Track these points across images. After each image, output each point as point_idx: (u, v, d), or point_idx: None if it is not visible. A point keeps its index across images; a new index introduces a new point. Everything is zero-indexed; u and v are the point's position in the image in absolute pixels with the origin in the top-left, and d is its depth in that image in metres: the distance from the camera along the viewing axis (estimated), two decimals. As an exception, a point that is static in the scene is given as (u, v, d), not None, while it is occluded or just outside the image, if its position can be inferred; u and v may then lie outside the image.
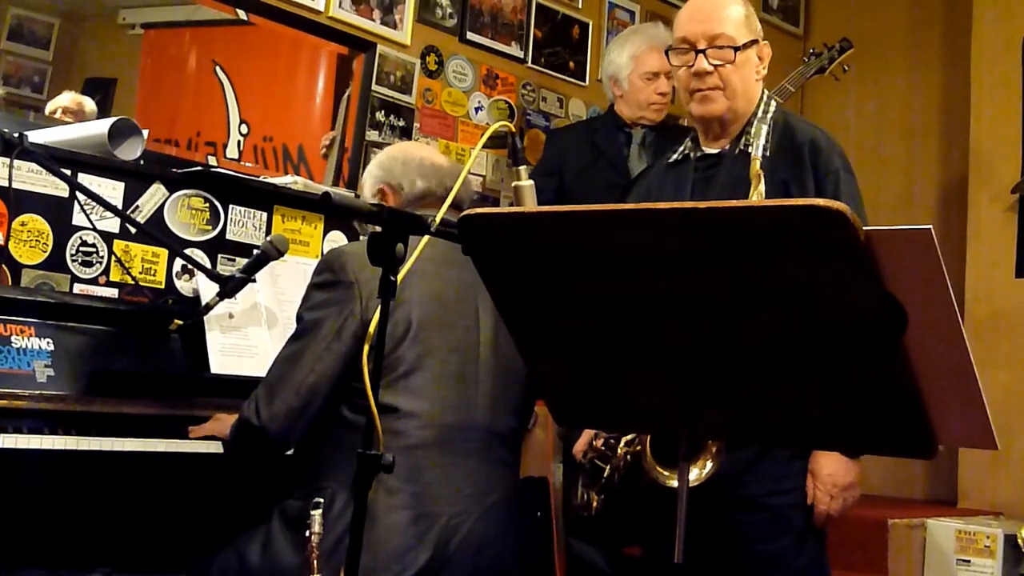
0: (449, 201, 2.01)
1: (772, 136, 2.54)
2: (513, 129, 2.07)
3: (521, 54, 4.67)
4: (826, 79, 4.33)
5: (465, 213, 1.50)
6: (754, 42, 2.57)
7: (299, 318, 2.38)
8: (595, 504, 2.52)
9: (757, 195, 2.25)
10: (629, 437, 2.44)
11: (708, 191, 2.56)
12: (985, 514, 4.13)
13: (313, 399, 2.29)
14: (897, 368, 1.35)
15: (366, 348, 1.80)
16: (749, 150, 2.48)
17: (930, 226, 1.25)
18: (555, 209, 1.42)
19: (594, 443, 2.53)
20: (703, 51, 2.53)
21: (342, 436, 2.28)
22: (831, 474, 2.43)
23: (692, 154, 2.66)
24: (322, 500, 2.07)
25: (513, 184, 2.08)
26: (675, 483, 2.19)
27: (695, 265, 1.36)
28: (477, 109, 4.50)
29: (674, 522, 2.31)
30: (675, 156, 2.72)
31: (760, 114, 2.58)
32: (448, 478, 2.31)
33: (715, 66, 2.52)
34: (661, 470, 2.25)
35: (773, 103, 2.62)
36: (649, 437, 2.30)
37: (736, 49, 2.52)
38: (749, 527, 2.45)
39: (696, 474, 2.19)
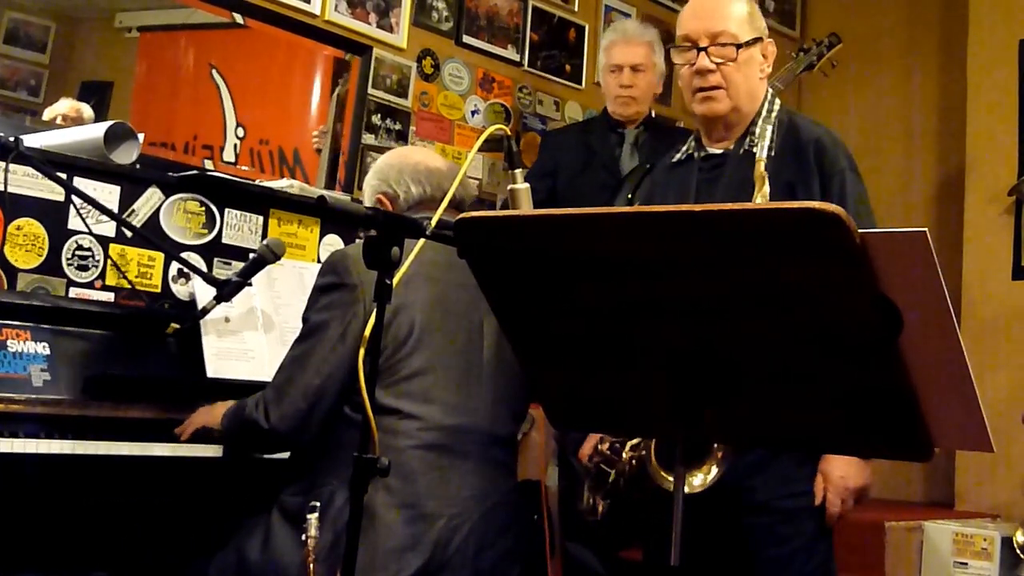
0: (445, 204, 2.01)
1: (776, 136, 2.50)
2: (509, 132, 2.07)
3: (517, 57, 4.67)
4: (822, 82, 4.33)
5: (460, 217, 1.50)
6: (758, 40, 2.53)
7: (305, 320, 2.40)
8: (601, 509, 2.50)
9: (762, 197, 2.19)
10: (634, 441, 2.42)
11: (713, 192, 2.52)
12: (983, 516, 4.13)
13: (321, 400, 2.30)
14: (893, 371, 1.35)
15: (362, 352, 1.80)
16: (754, 150, 2.45)
17: (925, 229, 1.25)
18: (550, 213, 1.41)
19: (599, 447, 2.51)
20: (705, 49, 2.49)
21: (343, 434, 2.29)
22: (843, 476, 2.40)
23: (696, 154, 2.62)
24: (318, 504, 2.08)
25: (509, 187, 2.08)
26: None
27: (691, 268, 1.36)
28: (473, 112, 4.50)
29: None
30: (678, 156, 2.68)
31: (765, 113, 2.54)
32: (448, 480, 2.32)
33: (717, 64, 2.48)
34: (665, 475, 2.23)
35: (778, 102, 2.58)
36: (653, 441, 2.28)
37: (738, 47, 2.48)
38: (758, 531, 2.41)
39: (702, 479, 2.16)
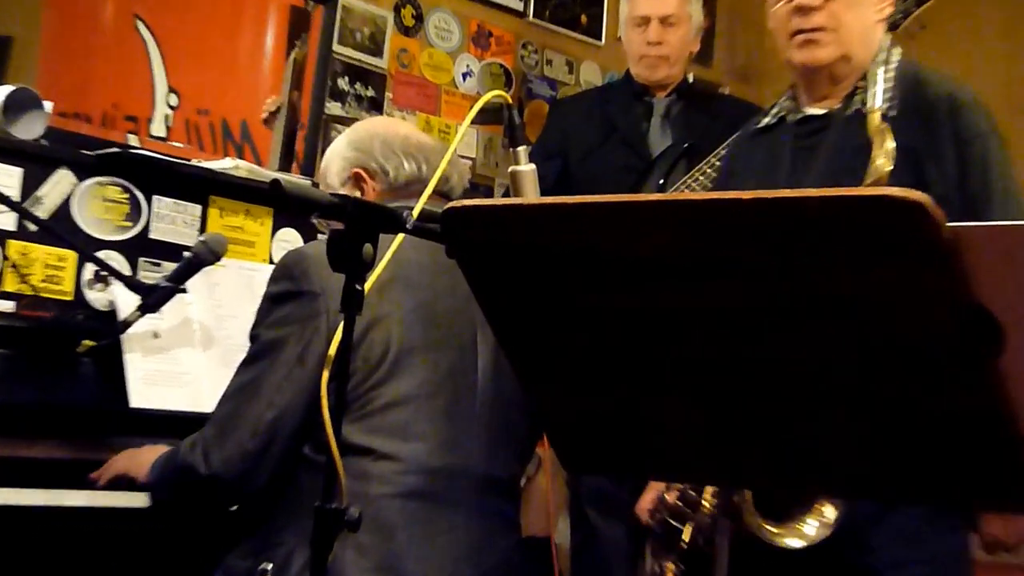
0: (432, 187, 2.00)
1: (897, 91, 2.45)
2: (510, 101, 2.08)
3: (520, 6, 4.68)
4: (905, 42, 4.33)
5: (450, 206, 1.50)
6: None
7: (254, 337, 2.39)
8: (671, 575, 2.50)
9: (884, 157, 2.19)
10: (716, 488, 2.41)
11: (812, 162, 2.51)
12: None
13: (275, 439, 2.29)
14: (990, 399, 1.34)
15: (325, 376, 1.80)
16: (865, 109, 2.40)
17: (1033, 221, 1.25)
18: (561, 201, 1.41)
19: (666, 498, 2.51)
20: None
21: (303, 480, 2.29)
22: (992, 534, 2.42)
23: (789, 116, 2.62)
24: (270, 566, 2.08)
25: (510, 169, 2.08)
26: (789, 541, 2.17)
27: (738, 270, 1.36)
28: (465, 75, 4.51)
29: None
30: (766, 119, 2.68)
31: (880, 63, 2.44)
32: (433, 537, 2.32)
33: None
34: (768, 526, 2.21)
35: (898, 51, 2.55)
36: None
37: None
38: None
39: (815, 527, 2.16)
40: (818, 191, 1.27)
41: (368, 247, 1.80)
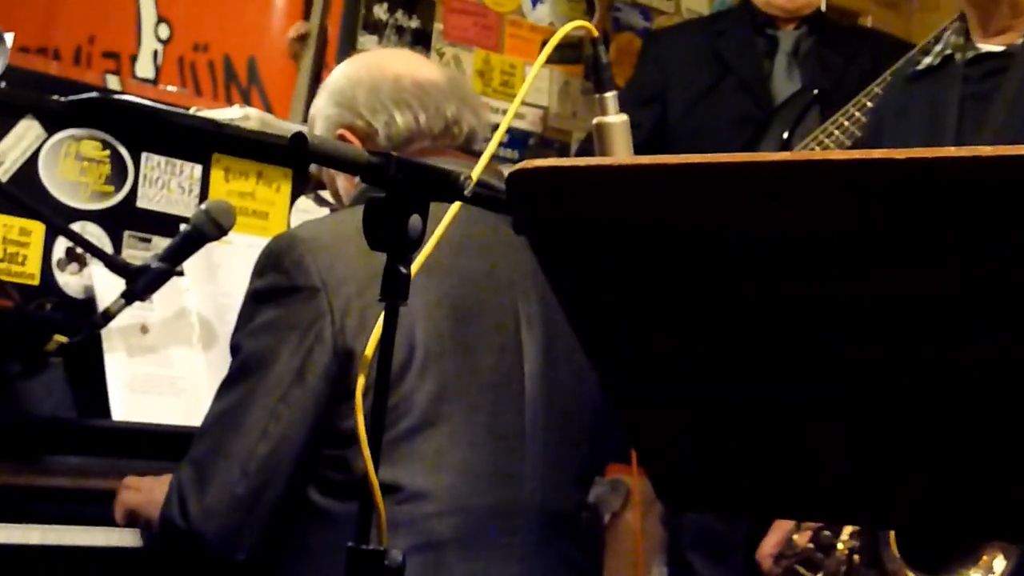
0: (495, 144, 1.95)
1: None
2: (596, 33, 2.07)
3: (606, -88, 4.68)
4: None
5: (518, 167, 1.49)
6: None
7: (236, 348, 2.37)
8: None
9: None
10: (855, 528, 2.43)
11: (987, 113, 2.51)
12: None
13: (271, 481, 2.28)
14: None
15: (361, 381, 1.76)
16: None
17: None
18: (664, 161, 1.40)
19: (795, 540, 2.53)
20: None
21: (309, 532, 2.28)
22: None
23: (958, 55, 2.62)
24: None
25: (595, 121, 2.08)
26: None
27: (903, 254, 1.34)
28: (535, 1, 4.50)
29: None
30: (928, 59, 2.69)
31: None
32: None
33: None
34: None
35: None
36: None
37: None
38: None
39: None
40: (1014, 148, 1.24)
41: (416, 219, 1.79)
